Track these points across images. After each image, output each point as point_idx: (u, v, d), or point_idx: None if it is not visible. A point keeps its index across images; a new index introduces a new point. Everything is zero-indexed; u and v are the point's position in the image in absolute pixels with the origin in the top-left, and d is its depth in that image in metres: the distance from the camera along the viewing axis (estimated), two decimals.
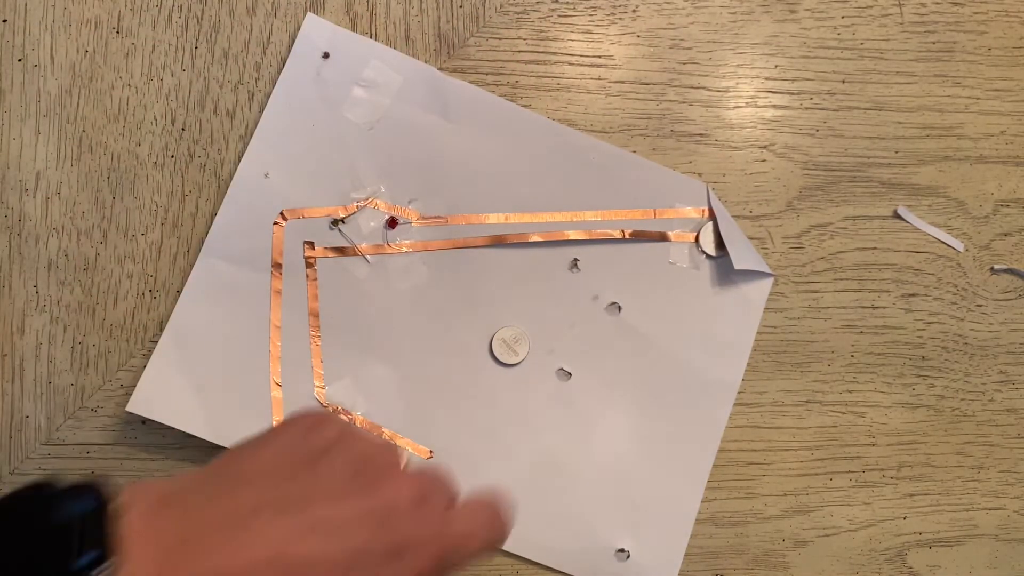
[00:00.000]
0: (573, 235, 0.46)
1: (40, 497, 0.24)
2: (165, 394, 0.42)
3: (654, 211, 0.46)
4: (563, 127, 0.46)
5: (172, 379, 0.42)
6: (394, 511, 0.27)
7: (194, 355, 0.42)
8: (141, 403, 0.42)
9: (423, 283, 0.45)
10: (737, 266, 0.45)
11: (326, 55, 0.44)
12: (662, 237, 0.46)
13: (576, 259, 0.46)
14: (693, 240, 0.47)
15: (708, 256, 0.46)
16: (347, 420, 0.41)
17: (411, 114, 0.45)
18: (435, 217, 0.45)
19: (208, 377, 0.42)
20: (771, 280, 0.47)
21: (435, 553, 0.28)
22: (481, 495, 0.30)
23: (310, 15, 0.44)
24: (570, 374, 0.45)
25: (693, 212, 0.47)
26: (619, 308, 0.46)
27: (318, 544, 0.25)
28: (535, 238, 0.45)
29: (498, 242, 0.45)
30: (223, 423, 0.42)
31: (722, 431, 0.46)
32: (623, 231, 0.46)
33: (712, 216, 0.47)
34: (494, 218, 0.45)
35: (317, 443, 0.28)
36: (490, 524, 0.30)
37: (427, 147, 0.45)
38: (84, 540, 0.23)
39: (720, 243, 0.46)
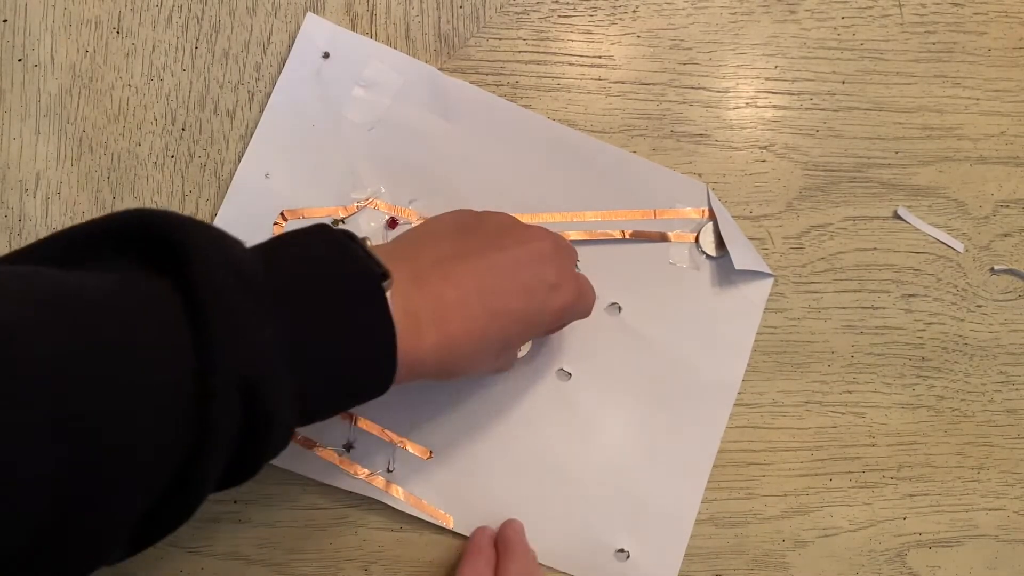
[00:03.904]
0: (573, 235, 0.45)
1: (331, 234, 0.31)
2: None
3: (654, 211, 0.46)
4: (563, 127, 0.46)
5: None
6: (543, 255, 0.37)
7: None
8: None
9: None
10: (737, 266, 0.45)
11: (326, 55, 0.44)
12: (662, 237, 0.46)
13: (576, 259, 0.46)
14: (693, 240, 0.47)
15: (708, 256, 0.46)
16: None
17: (411, 114, 0.45)
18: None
19: None
20: (771, 280, 0.47)
21: (574, 290, 0.38)
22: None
23: (310, 15, 0.44)
24: (570, 374, 0.45)
25: (693, 212, 0.47)
26: (619, 308, 0.46)
27: (499, 279, 0.35)
28: None
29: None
30: None
31: (722, 431, 0.46)
32: (623, 231, 0.46)
33: (712, 216, 0.47)
34: None
35: (467, 219, 0.38)
36: (593, 292, 0.41)
37: (427, 147, 0.45)
38: (373, 261, 0.31)
39: (720, 243, 0.46)
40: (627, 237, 0.46)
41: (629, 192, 0.46)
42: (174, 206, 0.44)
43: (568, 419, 0.45)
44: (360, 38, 0.45)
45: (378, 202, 0.45)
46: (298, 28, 0.45)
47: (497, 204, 0.45)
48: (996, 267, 0.50)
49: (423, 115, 0.45)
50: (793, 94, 0.49)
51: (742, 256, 0.46)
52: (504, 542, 0.43)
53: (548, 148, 0.46)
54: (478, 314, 0.34)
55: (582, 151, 0.46)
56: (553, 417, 0.45)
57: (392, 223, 0.44)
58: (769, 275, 0.47)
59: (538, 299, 0.36)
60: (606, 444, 0.45)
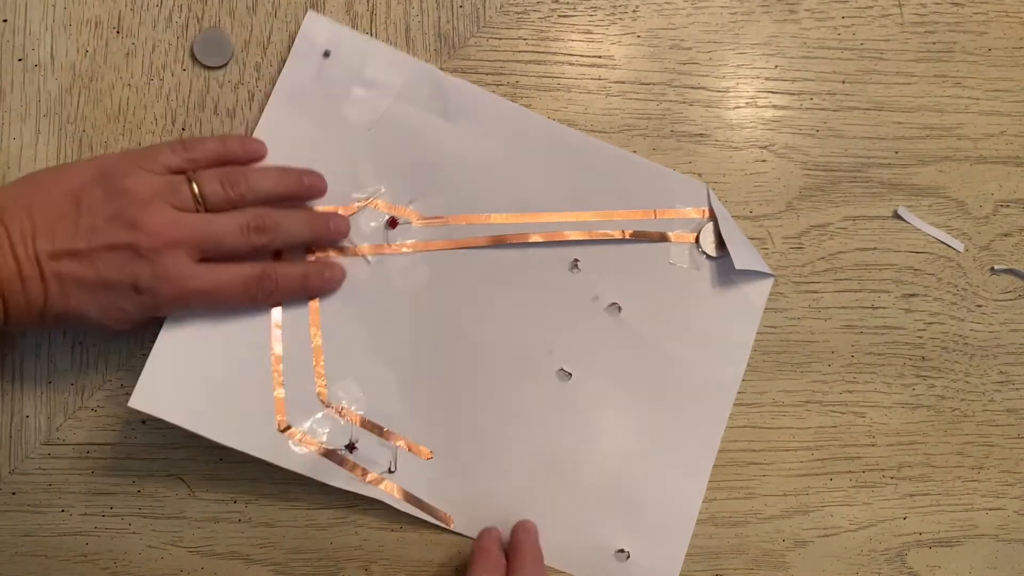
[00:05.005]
0: (573, 235, 0.45)
1: None
2: (167, 391, 0.41)
3: (654, 211, 0.46)
4: (564, 127, 0.46)
5: (173, 375, 0.42)
6: (140, 250, 0.37)
7: (195, 352, 0.42)
8: (142, 399, 0.41)
9: (423, 283, 0.45)
10: (738, 266, 0.45)
11: (327, 54, 0.44)
12: (662, 237, 0.46)
13: (576, 259, 0.46)
14: (693, 240, 0.47)
15: (708, 256, 0.46)
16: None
17: (411, 114, 0.45)
18: (435, 217, 0.45)
19: (209, 375, 0.42)
20: (771, 280, 0.47)
21: (172, 292, 0.38)
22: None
23: (311, 13, 0.44)
24: (570, 374, 0.45)
25: (693, 212, 0.47)
26: (619, 308, 0.46)
27: (80, 268, 0.37)
28: (535, 238, 0.45)
29: (498, 242, 0.45)
30: (226, 422, 0.42)
31: (722, 431, 0.46)
32: (623, 231, 0.46)
33: (712, 216, 0.47)
34: (495, 218, 0.45)
35: (87, 193, 0.38)
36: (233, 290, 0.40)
37: (427, 147, 0.45)
38: None
39: (720, 243, 0.46)
40: (627, 237, 0.46)
41: (629, 192, 0.46)
42: None
43: (569, 419, 0.45)
44: (361, 36, 0.45)
45: (378, 202, 0.45)
46: (298, 27, 0.45)
47: (497, 204, 0.45)
48: (996, 267, 0.50)
49: (423, 115, 0.45)
50: (793, 94, 0.49)
51: (742, 256, 0.46)
52: (515, 546, 0.42)
53: (548, 148, 0.46)
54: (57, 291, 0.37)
55: (582, 151, 0.46)
56: (554, 417, 0.45)
57: (392, 223, 0.44)
58: (769, 275, 0.47)
59: (115, 298, 0.37)
60: (606, 444, 0.45)
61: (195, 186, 0.39)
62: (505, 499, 0.45)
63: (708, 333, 0.46)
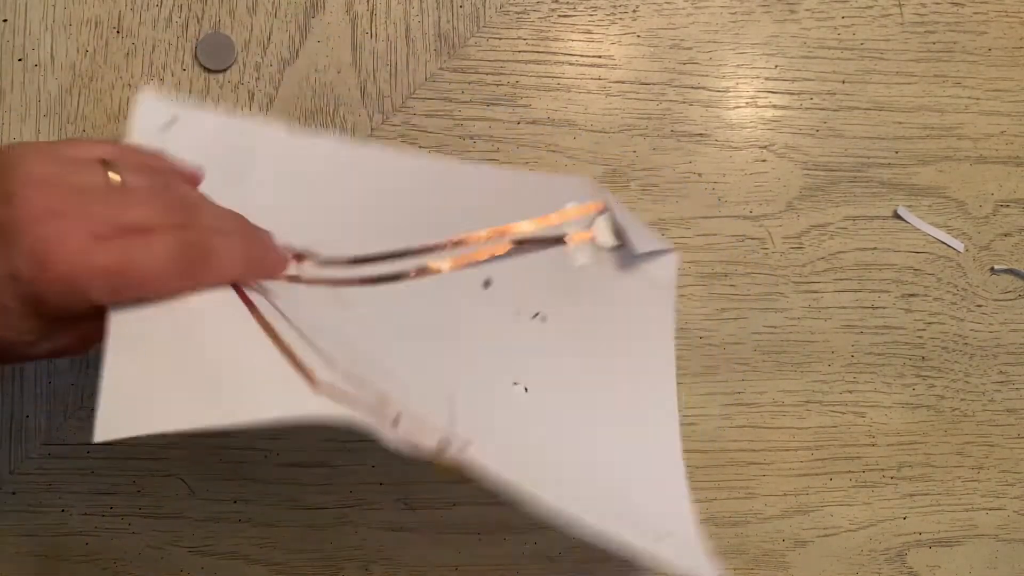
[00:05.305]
0: (477, 256, 0.45)
1: None
2: (142, 401, 0.32)
3: (548, 216, 0.46)
4: (442, 159, 0.45)
5: (144, 378, 0.32)
6: (14, 227, 0.28)
7: (164, 344, 0.32)
8: (109, 427, 0.31)
9: (345, 320, 0.41)
10: (638, 250, 0.45)
11: (171, 122, 0.40)
12: (560, 241, 0.46)
13: (487, 279, 0.45)
14: (590, 237, 0.46)
15: (609, 248, 0.46)
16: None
17: (269, 177, 0.42)
18: (336, 260, 0.42)
19: (194, 358, 0.32)
20: (675, 255, 0.46)
21: (62, 274, 0.28)
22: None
23: (142, 89, 0.40)
24: (526, 389, 0.44)
25: (585, 209, 0.46)
26: (542, 318, 0.45)
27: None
28: (442, 266, 0.44)
29: (414, 275, 0.44)
30: (241, 398, 0.32)
31: (675, 412, 0.44)
32: (518, 241, 0.45)
33: (605, 208, 0.46)
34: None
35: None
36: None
37: (295, 203, 0.42)
38: None
39: (618, 233, 0.46)
40: (523, 246, 0.45)
41: (520, 205, 0.45)
42: None
43: (528, 437, 0.44)
44: (200, 109, 0.42)
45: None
46: (299, 28, 0.45)
47: (390, 243, 0.43)
48: (996, 267, 0.50)
49: (285, 175, 0.43)
50: (793, 94, 0.49)
51: (640, 240, 0.45)
52: None
53: (430, 182, 0.44)
54: None
55: (460, 176, 0.45)
56: (514, 439, 0.43)
57: (299, 257, 0.41)
58: (671, 250, 0.46)
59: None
60: (572, 452, 0.44)
61: (111, 173, 0.30)
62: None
63: (629, 322, 0.45)
